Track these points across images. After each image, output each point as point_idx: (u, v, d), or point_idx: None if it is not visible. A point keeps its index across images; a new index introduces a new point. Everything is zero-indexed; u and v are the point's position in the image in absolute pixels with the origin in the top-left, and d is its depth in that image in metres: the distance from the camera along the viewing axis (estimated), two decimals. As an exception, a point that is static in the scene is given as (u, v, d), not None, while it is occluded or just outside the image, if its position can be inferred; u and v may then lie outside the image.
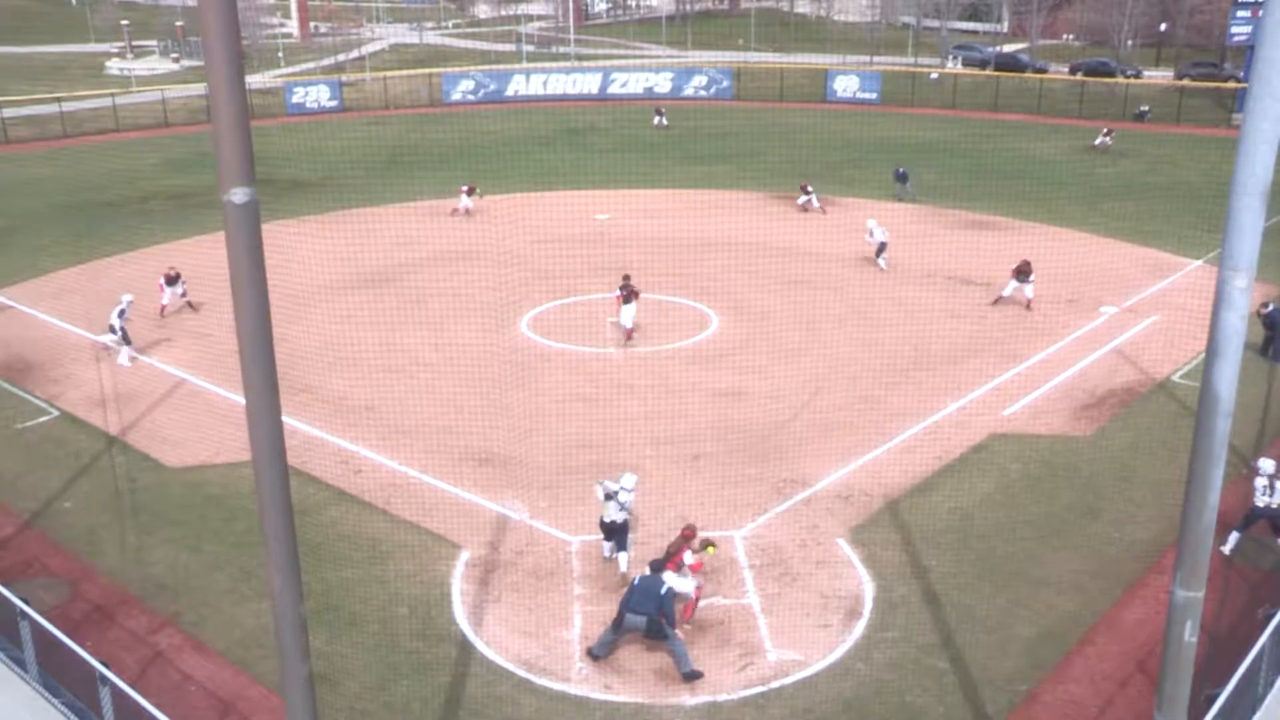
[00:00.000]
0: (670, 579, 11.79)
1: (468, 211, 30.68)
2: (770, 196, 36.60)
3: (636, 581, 11.81)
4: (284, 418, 6.49)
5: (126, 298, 20.40)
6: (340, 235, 28.03)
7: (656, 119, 49.17)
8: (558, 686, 11.54)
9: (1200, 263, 25.92)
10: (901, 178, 35.17)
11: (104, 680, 10.05)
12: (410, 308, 23.57)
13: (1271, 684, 10.65)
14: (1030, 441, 17.00)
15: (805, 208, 31.62)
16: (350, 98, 55.81)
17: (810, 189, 32.07)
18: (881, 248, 25.45)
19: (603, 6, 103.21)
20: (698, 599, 12.43)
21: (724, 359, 20.29)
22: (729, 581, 13.49)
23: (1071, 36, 74.20)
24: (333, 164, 37.87)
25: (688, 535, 12.59)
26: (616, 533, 13.24)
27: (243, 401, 6.33)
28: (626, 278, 21.47)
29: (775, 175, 38.39)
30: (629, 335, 21.00)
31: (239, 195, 5.97)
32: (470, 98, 55.82)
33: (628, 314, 20.99)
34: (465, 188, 31.42)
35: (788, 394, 18.56)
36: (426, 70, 61.21)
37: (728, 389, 18.94)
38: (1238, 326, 6.73)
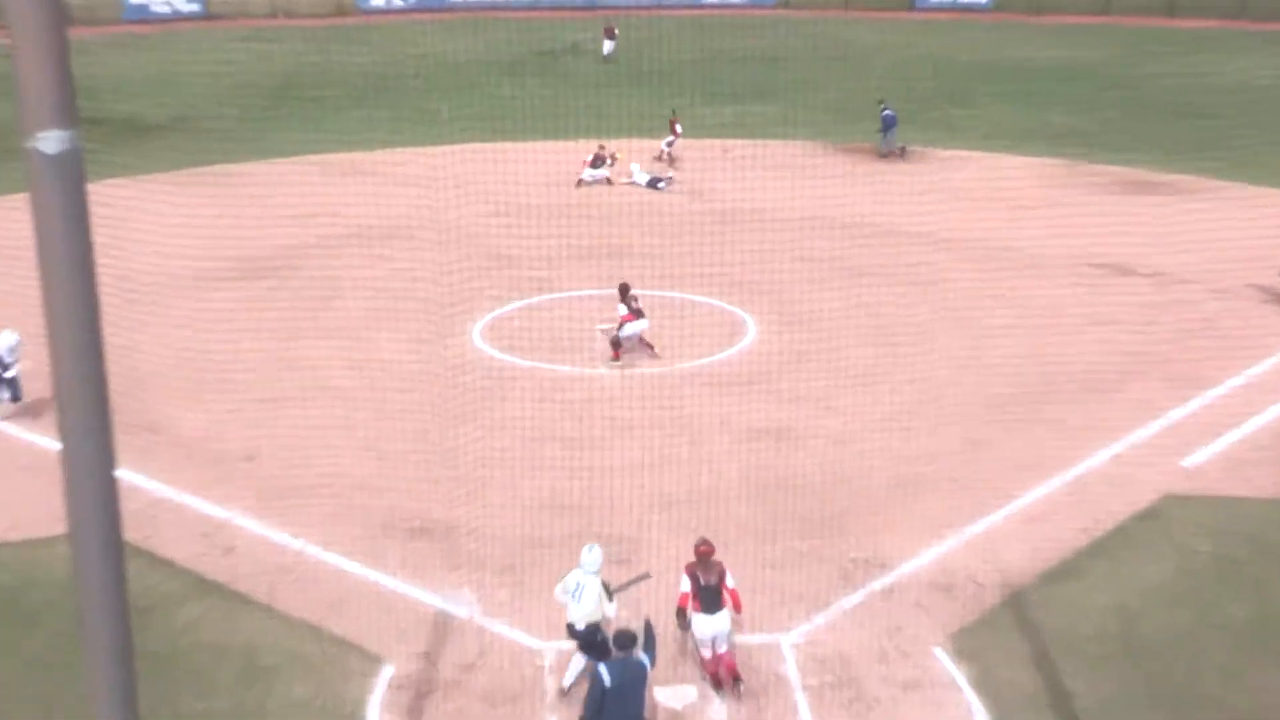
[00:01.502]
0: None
1: (608, 182, 31.39)
2: (828, 148, 36.81)
3: (608, 682, 11.57)
4: (120, 471, 6.25)
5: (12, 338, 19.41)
6: (207, 203, 28.12)
7: (608, 46, 48.64)
8: None
9: None
10: (888, 122, 35.14)
11: None
12: (312, 309, 23.73)
13: None
14: (1226, 507, 16.79)
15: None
16: (220, 1, 55.77)
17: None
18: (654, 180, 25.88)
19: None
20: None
21: (763, 383, 20.29)
22: (774, 708, 13.32)
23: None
24: (193, 98, 38.07)
25: (704, 553, 13.23)
26: (592, 648, 13.11)
27: (55, 447, 6.10)
28: (626, 289, 21.41)
29: (837, 117, 38.55)
30: (651, 350, 21.13)
31: (50, 141, 5.74)
32: (398, 3, 56.10)
33: (636, 329, 21.17)
34: (591, 157, 31.68)
35: (856, 435, 18.53)
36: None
37: (769, 426, 18.93)
38: None
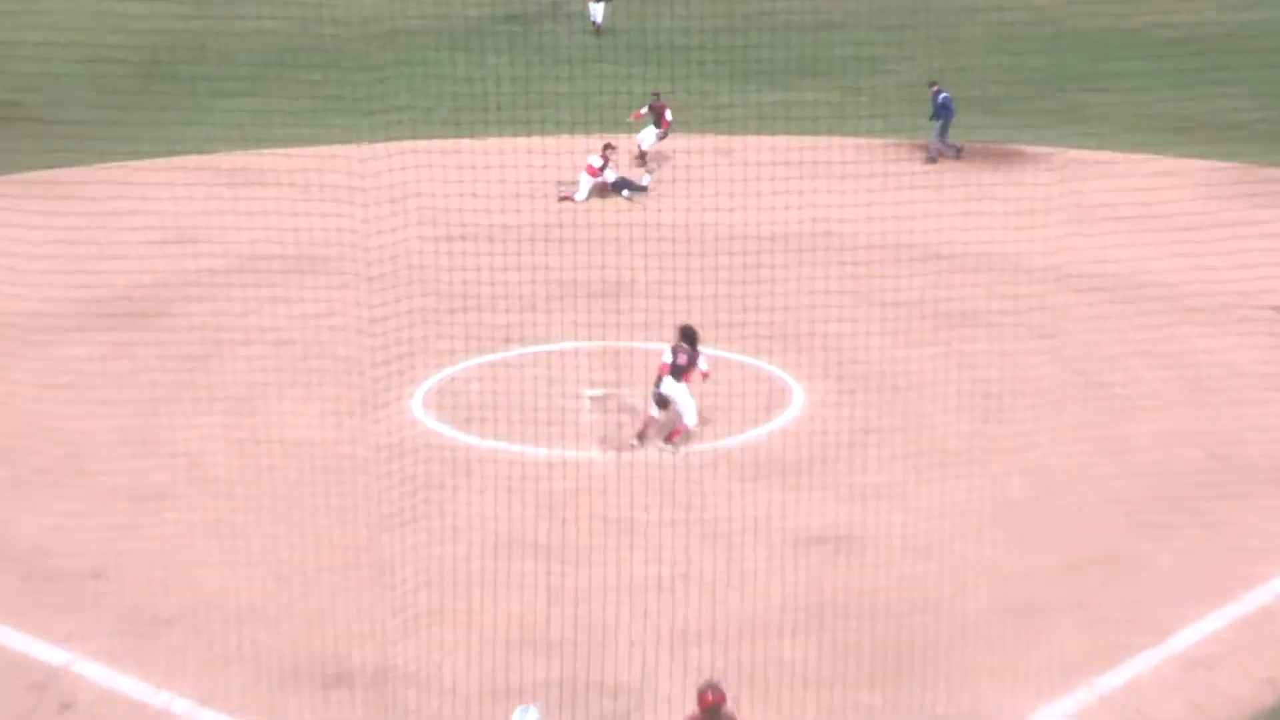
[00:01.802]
0: None
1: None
2: (900, 148, 36.90)
3: None
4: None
5: None
6: (43, 223, 27.92)
7: (598, 9, 49.38)
8: None
9: None
10: (942, 108, 35.95)
11: None
12: (186, 370, 23.80)
13: None
14: None
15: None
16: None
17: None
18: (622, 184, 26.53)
19: None
20: None
21: (816, 471, 20.30)
22: None
23: None
24: (26, 78, 38.06)
25: (714, 704, 13.48)
26: None
27: None
28: (687, 333, 21.52)
29: (914, 105, 38.61)
30: (678, 433, 21.47)
31: None
32: (314, -51, 56.58)
33: (681, 399, 21.38)
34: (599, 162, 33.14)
35: (945, 543, 18.47)
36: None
37: (824, 531, 18.93)
38: None
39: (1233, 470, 20.34)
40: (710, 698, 13.42)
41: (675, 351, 21.42)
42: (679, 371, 21.38)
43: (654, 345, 22.79)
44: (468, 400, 22.41)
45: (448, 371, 23.65)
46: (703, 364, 21.50)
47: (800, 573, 17.92)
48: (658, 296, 23.87)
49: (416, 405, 22.77)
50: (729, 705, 13.53)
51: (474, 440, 21.59)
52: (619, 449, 21.28)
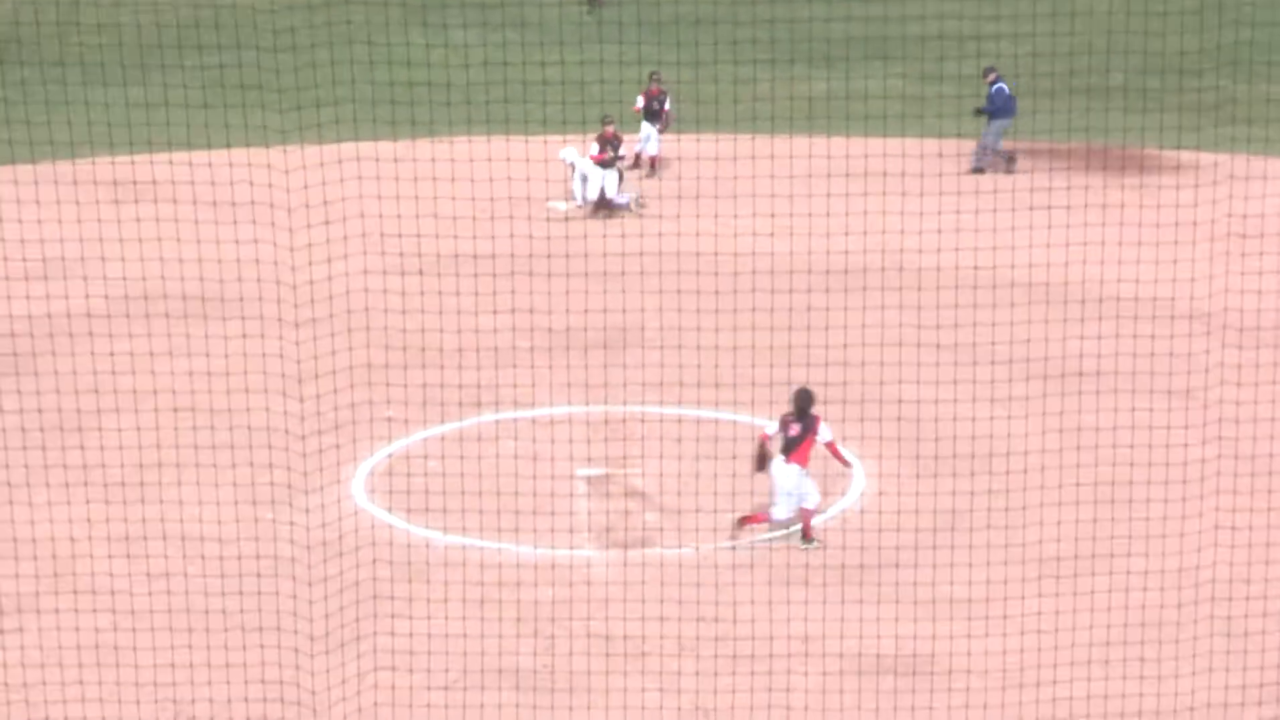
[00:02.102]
0: None
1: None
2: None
3: None
4: None
5: None
6: None
7: None
8: None
9: None
10: (1000, 107, 37.07)
11: None
12: (48, 445, 23.87)
13: None
14: None
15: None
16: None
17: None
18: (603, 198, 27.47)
19: None
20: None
21: (882, 575, 20.71)
22: None
23: None
24: None
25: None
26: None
27: None
28: (802, 398, 22.42)
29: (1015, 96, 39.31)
30: (808, 525, 22.32)
31: None
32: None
33: (796, 484, 22.07)
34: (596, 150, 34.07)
35: (1050, 670, 18.79)
36: None
37: (893, 656, 19.56)
38: None
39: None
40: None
41: (784, 424, 22.15)
42: (790, 448, 22.13)
43: (670, 410, 23.40)
44: (424, 482, 22.97)
45: (399, 444, 24.50)
46: (825, 433, 22.25)
47: (862, 714, 18.38)
48: (674, 347, 24.33)
49: (358, 489, 23.56)
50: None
51: (434, 535, 22.37)
52: (624, 546, 21.98)
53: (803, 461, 22.49)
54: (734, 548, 22.04)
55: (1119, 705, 18.48)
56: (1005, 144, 40.01)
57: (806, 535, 22.47)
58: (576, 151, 36.12)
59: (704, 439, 23.70)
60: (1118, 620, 19.72)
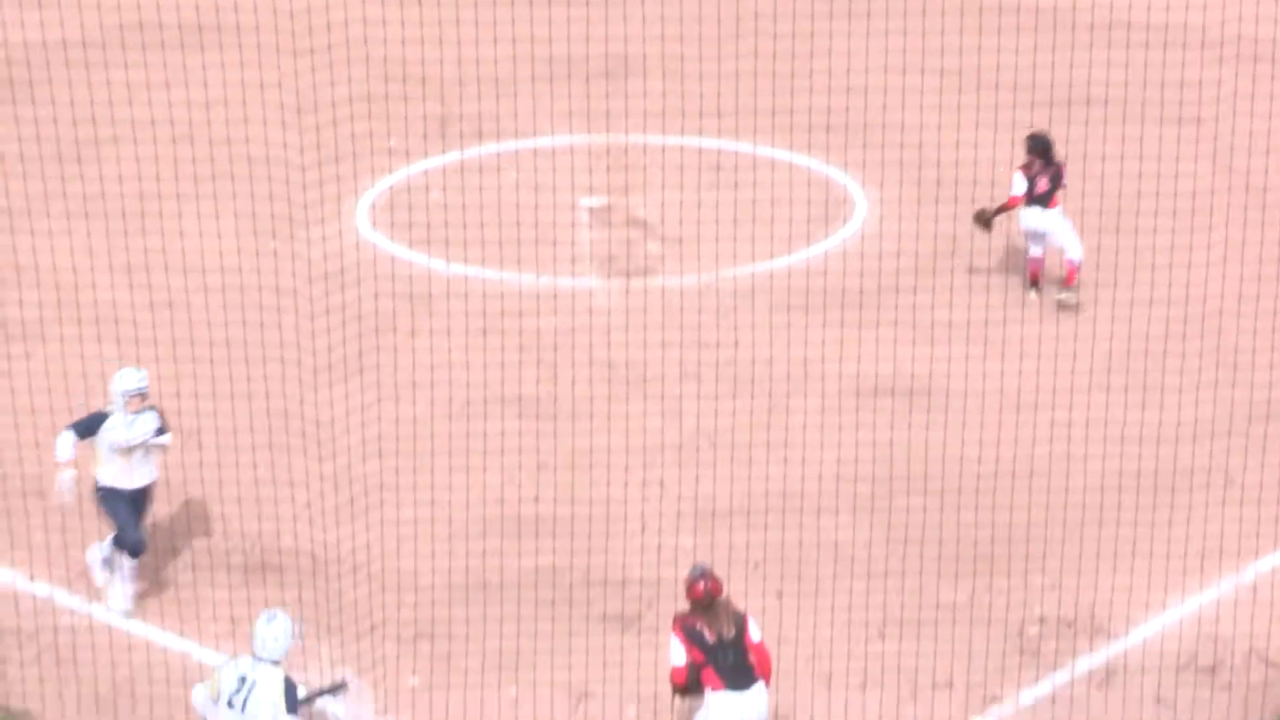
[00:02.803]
0: None
1: None
2: None
3: None
4: None
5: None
6: None
7: None
8: None
9: None
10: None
11: None
12: (55, 172, 23.11)
13: None
14: None
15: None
16: None
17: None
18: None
19: None
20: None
21: (882, 302, 20.41)
22: None
23: None
24: None
25: (709, 593, 14.23)
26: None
27: None
28: (1038, 143, 22.09)
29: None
30: (1072, 276, 21.94)
31: None
32: None
33: (1058, 230, 21.81)
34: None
35: (1049, 395, 18.64)
36: None
37: (892, 379, 19.35)
38: None
39: None
40: (702, 588, 13.98)
41: (1030, 176, 21.51)
42: (1045, 199, 21.62)
43: (671, 140, 23.02)
44: (427, 212, 22.58)
45: (401, 175, 24.09)
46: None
47: (860, 432, 18.15)
48: (676, 75, 23.91)
49: (360, 219, 23.20)
50: (725, 595, 14.07)
51: (436, 264, 21.99)
52: (626, 275, 21.67)
53: (1056, 205, 21.85)
54: (1074, 302, 21.59)
55: (1118, 431, 18.14)
56: None
57: (1070, 284, 21.81)
58: None
59: (706, 168, 23.18)
60: (1120, 347, 19.51)
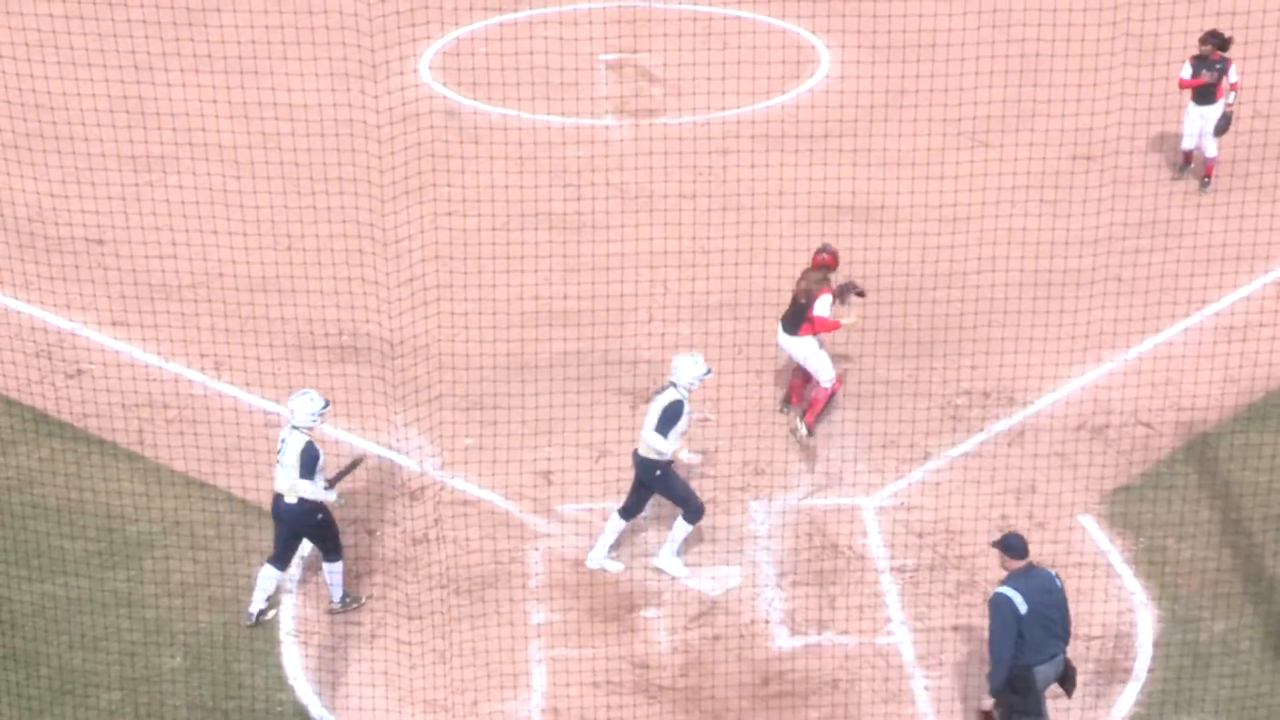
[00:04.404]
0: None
1: None
2: None
3: (1022, 608, 11.68)
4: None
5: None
6: None
7: None
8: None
9: None
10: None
11: None
12: (174, 30, 23.13)
13: None
14: None
15: None
16: None
17: None
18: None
19: None
20: (833, 391, 15.85)
21: (843, 138, 20.31)
22: (850, 598, 13.86)
23: None
24: None
25: (826, 263, 15.86)
26: (311, 531, 13.69)
27: None
28: (1215, 38, 20.14)
29: None
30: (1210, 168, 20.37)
31: None
32: None
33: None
34: None
35: (977, 212, 18.33)
36: None
37: (850, 200, 18.95)
38: None
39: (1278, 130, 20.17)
40: (823, 258, 15.40)
41: (1198, 64, 20.10)
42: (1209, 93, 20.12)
43: (672, 6, 22.60)
44: (477, 63, 22.10)
45: (457, 33, 23.49)
46: (1234, 74, 20.15)
47: (825, 241, 18.10)
48: None
49: (424, 68, 22.72)
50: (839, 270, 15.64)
51: (484, 106, 21.69)
52: (636, 116, 21.33)
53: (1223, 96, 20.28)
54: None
55: (1034, 235, 18.21)
56: None
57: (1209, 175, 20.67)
58: None
59: (700, 30, 22.68)
60: (1035, 169, 19.09)
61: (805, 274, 15.71)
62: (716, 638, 13.48)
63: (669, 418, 13.65)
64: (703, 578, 14.04)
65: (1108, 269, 17.86)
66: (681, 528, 14.04)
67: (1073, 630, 12.04)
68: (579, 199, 19.29)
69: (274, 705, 12.93)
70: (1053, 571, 12.09)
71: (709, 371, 13.94)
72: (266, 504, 14.09)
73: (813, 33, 23.77)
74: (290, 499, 13.27)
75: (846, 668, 13.16)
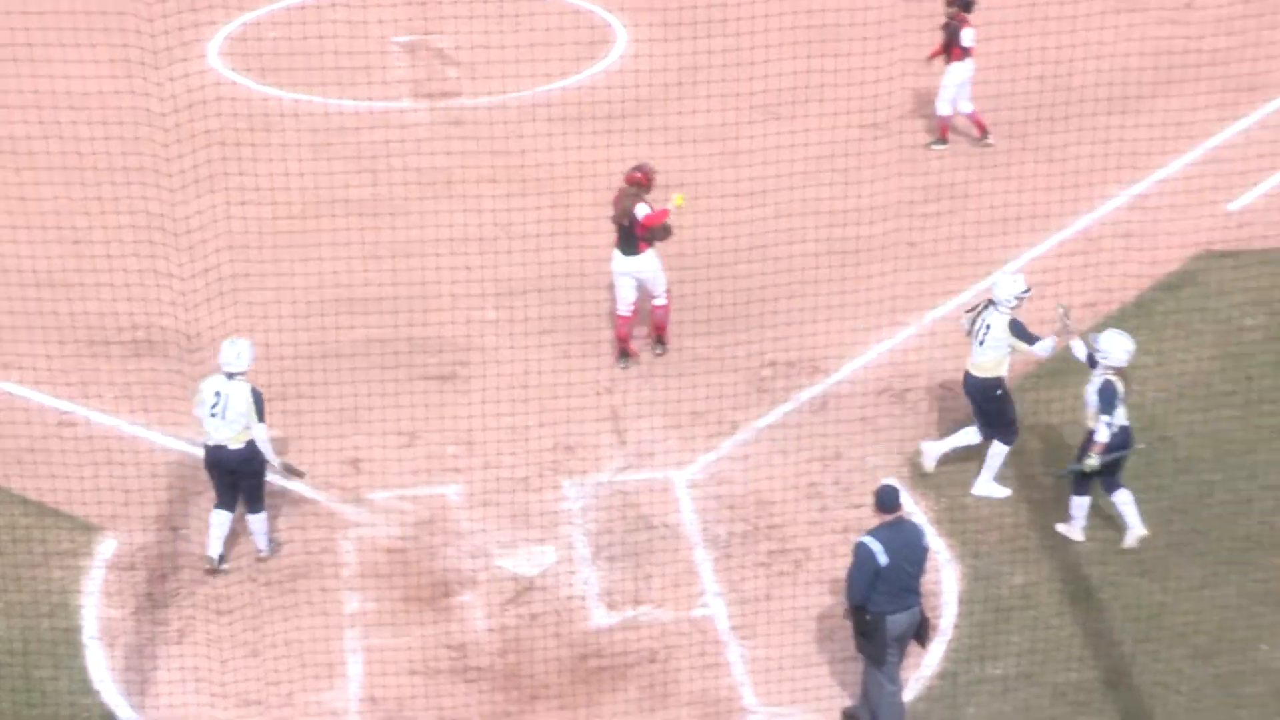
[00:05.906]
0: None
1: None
2: None
3: (882, 559, 11.82)
4: None
5: None
6: None
7: None
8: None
9: None
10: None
11: None
12: None
13: None
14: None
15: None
16: None
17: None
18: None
19: None
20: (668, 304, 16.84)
21: (639, 117, 20.29)
22: (664, 570, 13.91)
23: None
24: None
25: (639, 181, 16.58)
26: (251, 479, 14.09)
27: None
28: None
29: None
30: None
31: None
32: None
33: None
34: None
35: (773, 186, 18.44)
36: None
37: (663, 177, 18.85)
38: None
39: (1059, 96, 20.21)
40: (636, 175, 16.20)
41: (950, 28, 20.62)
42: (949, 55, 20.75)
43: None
44: (268, 48, 21.84)
45: (247, 18, 23.16)
46: (966, 38, 20.68)
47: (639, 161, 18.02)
48: None
49: (213, 55, 22.31)
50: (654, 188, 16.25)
51: (276, 92, 21.38)
52: (431, 98, 21.15)
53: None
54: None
55: (828, 205, 17.98)
56: None
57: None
58: None
59: (493, 11, 22.17)
60: (832, 141, 18.93)
61: (620, 195, 16.31)
62: (534, 617, 13.43)
63: (1019, 332, 14.37)
64: (518, 558, 14.00)
65: (898, 234, 18.14)
66: (999, 452, 14.62)
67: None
68: (376, 184, 19.08)
69: (80, 712, 12.63)
70: (921, 528, 12.37)
71: (1028, 290, 14.54)
72: (64, 506, 13.86)
73: (608, 10, 23.77)
74: (235, 445, 13.46)
75: (663, 641, 13.21)
